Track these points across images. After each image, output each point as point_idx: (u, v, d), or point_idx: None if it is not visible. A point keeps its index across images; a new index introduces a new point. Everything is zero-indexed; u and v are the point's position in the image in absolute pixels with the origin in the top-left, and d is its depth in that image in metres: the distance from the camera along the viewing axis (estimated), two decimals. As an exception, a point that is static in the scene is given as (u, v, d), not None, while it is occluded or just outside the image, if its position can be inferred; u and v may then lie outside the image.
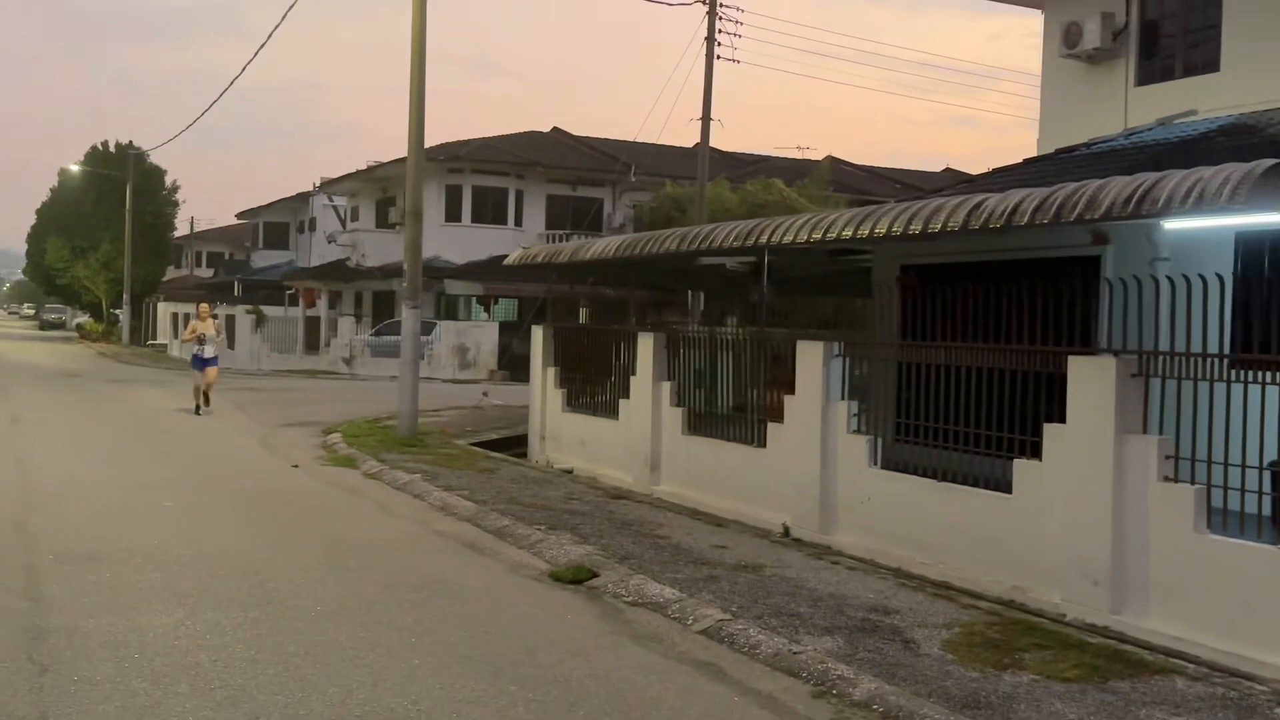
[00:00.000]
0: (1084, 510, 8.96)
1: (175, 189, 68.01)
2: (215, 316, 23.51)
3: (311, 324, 45.10)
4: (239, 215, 74.07)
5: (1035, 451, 9.59)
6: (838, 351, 12.00)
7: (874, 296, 13.24)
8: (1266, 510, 8.27)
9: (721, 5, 31.05)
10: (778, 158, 50.21)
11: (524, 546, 10.66)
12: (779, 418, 12.63)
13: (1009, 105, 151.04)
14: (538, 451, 18.37)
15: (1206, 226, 10.53)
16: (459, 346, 39.16)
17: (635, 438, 15.39)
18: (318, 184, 57.93)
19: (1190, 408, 8.65)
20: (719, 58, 30.99)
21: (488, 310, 43.35)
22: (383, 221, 49.15)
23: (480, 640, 7.57)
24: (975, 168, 77.72)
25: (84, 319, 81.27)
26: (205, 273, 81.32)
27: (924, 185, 49.06)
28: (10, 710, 5.90)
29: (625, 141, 47.51)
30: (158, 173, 66.39)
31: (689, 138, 60.94)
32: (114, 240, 62.45)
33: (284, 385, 32.75)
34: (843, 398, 11.85)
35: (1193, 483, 8.39)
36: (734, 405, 14.16)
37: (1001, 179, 15.67)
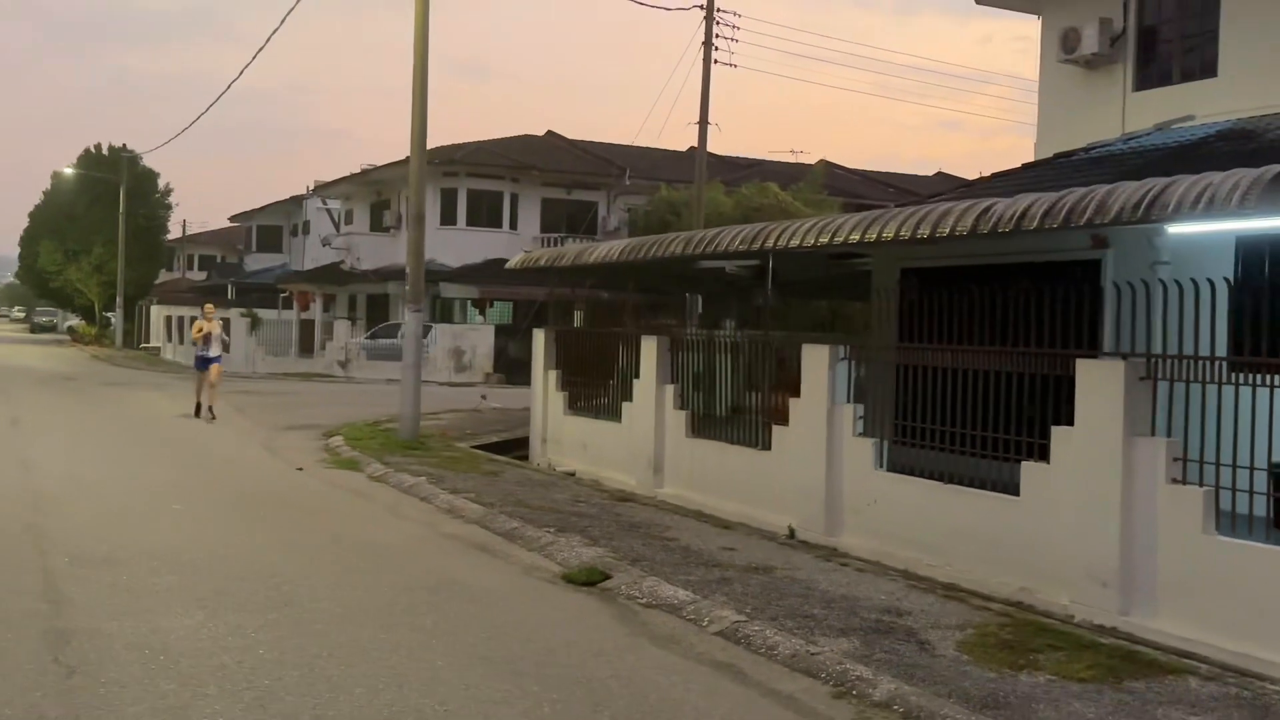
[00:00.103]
0: (1092, 512, 9.05)
1: (168, 192, 68.01)
2: (218, 317, 23.52)
3: (306, 327, 45.17)
4: (232, 218, 74.06)
5: (1040, 454, 9.69)
6: (843, 355, 12.09)
7: (873, 300, 13.32)
8: (1266, 511, 8.40)
9: (718, 10, 31.14)
10: (771, 161, 50.34)
11: (534, 549, 10.72)
12: (784, 421, 12.71)
13: (998, 109, 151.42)
14: (539, 454, 18.44)
15: (1207, 231, 10.67)
16: (455, 349, 39.21)
17: (638, 440, 15.46)
18: (311, 187, 58.04)
19: (1192, 410, 8.75)
20: (716, 62, 31.07)
21: (483, 313, 43.41)
22: (377, 225, 49.22)
23: (500, 641, 7.64)
24: (965, 171, 77.92)
25: (76, 322, 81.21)
26: (197, 276, 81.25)
27: (916, 189, 49.20)
28: (43, 712, 5.95)
29: (620, 145, 47.64)
30: (151, 176, 66.34)
31: (683, 141, 61.13)
32: (107, 243, 62.37)
33: (281, 388, 32.78)
34: (848, 400, 11.94)
35: (1201, 484, 8.50)
36: (738, 408, 14.24)
37: (1001, 183, 15.79)
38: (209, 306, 23.83)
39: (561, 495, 13.77)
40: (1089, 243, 11.92)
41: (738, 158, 49.66)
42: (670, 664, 7.33)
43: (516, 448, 19.77)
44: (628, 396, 15.93)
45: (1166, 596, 8.61)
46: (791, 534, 12.04)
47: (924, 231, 10.23)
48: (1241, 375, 8.40)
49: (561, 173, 45.90)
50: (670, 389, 14.98)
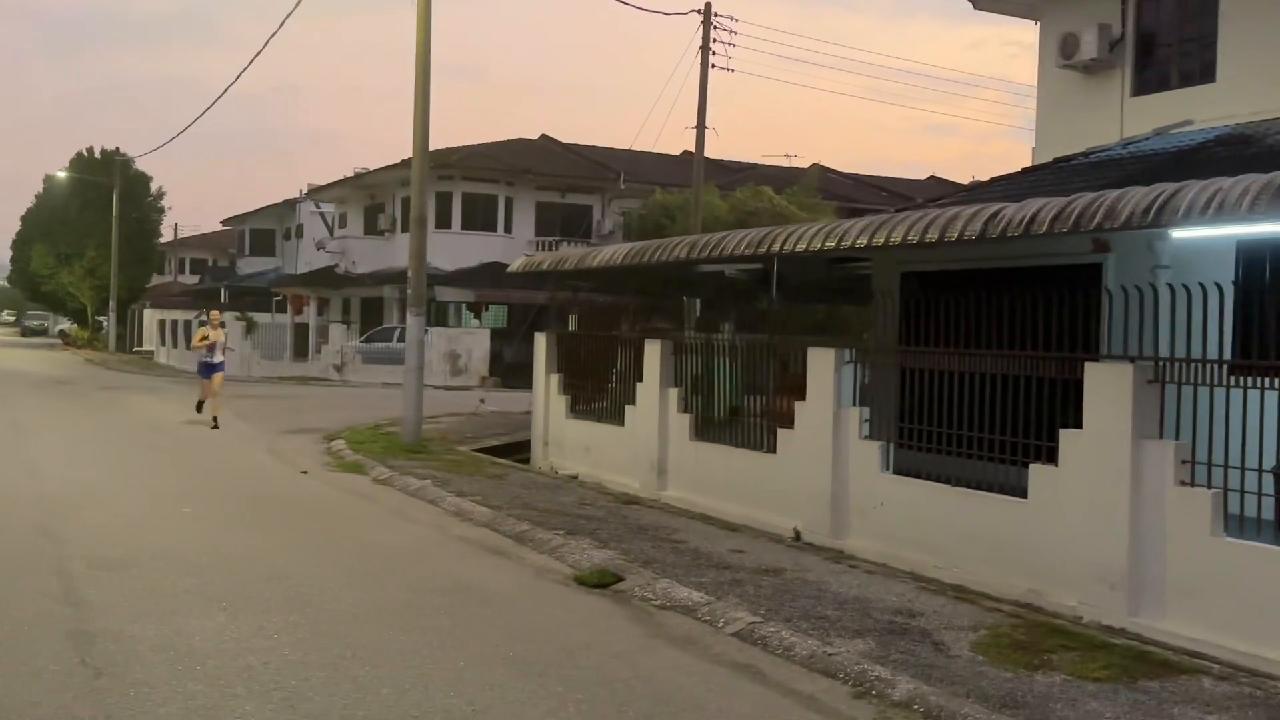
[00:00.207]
0: (1101, 514, 9.14)
1: (161, 195, 68.00)
2: (223, 324, 23.44)
3: (300, 331, 45.16)
4: (224, 222, 73.97)
5: (1044, 457, 9.78)
6: (849, 358, 12.18)
7: (875, 304, 13.41)
8: (1275, 512, 8.51)
9: (715, 15, 31.24)
10: (765, 165, 50.45)
11: (545, 551, 10.80)
12: (789, 424, 12.78)
13: (989, 114, 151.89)
14: (540, 457, 18.51)
15: (1208, 236, 10.76)
16: (450, 353, 39.25)
17: (642, 444, 15.53)
18: (304, 191, 58.02)
19: (1194, 413, 8.86)
20: (713, 66, 31.18)
21: (478, 317, 43.45)
22: (371, 228, 49.24)
23: (519, 643, 7.71)
24: (956, 175, 78.11)
25: (67, 325, 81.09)
26: (189, 279, 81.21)
27: (909, 193, 49.29)
28: (75, 712, 6.01)
29: (614, 149, 47.73)
30: (143, 179, 66.31)
31: (677, 145, 61.29)
32: (99, 247, 62.30)
33: (278, 392, 32.79)
34: (854, 403, 12.02)
35: (1209, 487, 8.60)
36: (742, 412, 14.32)
37: (1001, 187, 15.90)
38: (214, 314, 23.72)
39: (567, 498, 13.85)
40: (1090, 247, 12.01)
41: (731, 161, 49.76)
42: (689, 665, 7.41)
43: (518, 451, 19.85)
44: (630, 400, 16.00)
45: (1175, 598, 8.70)
46: (797, 536, 12.13)
47: (932, 235, 10.32)
48: (1251, 379, 8.50)
49: (556, 176, 45.96)
50: (674, 392, 15.05)
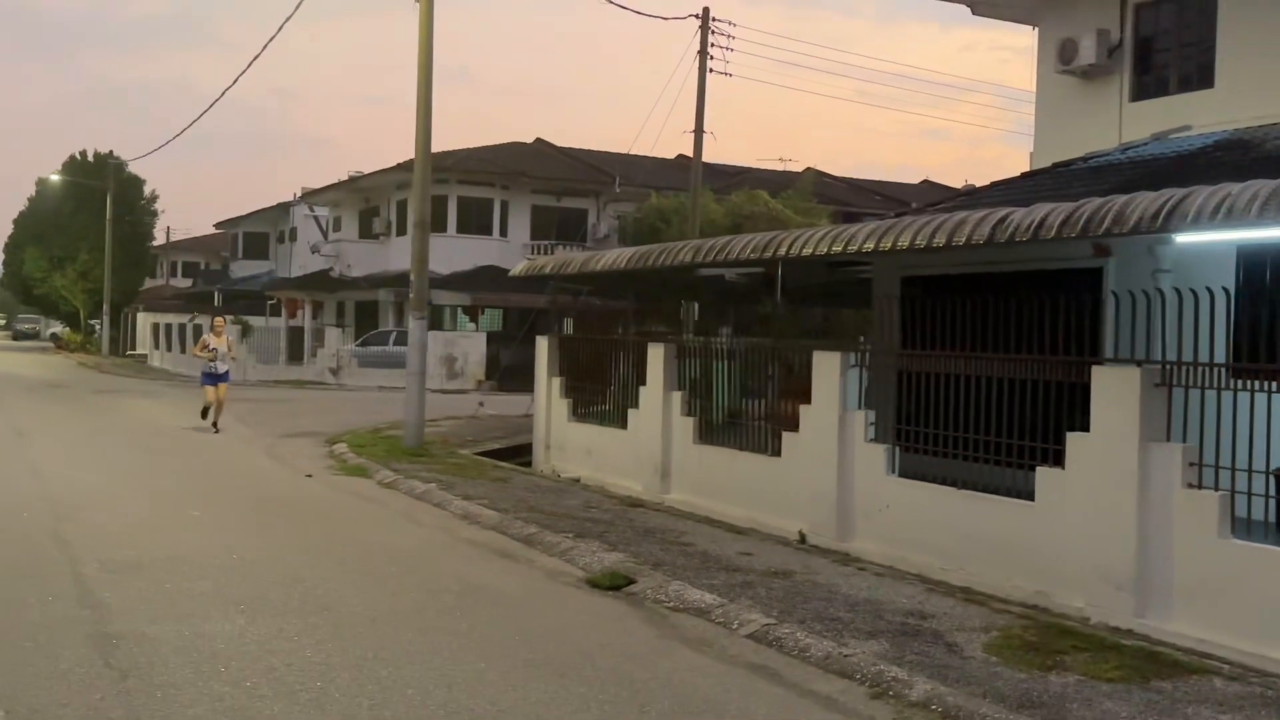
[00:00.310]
0: (1108, 517, 9.22)
1: (154, 198, 67.92)
2: (226, 330, 23.16)
3: (294, 334, 45.14)
4: (217, 225, 73.90)
5: (1048, 459, 9.87)
6: (854, 361, 12.26)
7: (876, 307, 13.49)
8: (1277, 514, 8.62)
9: (713, 20, 31.36)
10: (760, 169, 50.56)
11: (555, 554, 10.87)
12: (794, 427, 12.85)
13: (981, 118, 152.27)
14: (542, 460, 18.56)
15: (1209, 240, 10.85)
16: (447, 357, 39.28)
17: (644, 447, 15.60)
18: (298, 194, 58.03)
19: (1201, 416, 8.95)
20: (711, 71, 31.29)
21: (474, 320, 43.51)
22: (366, 232, 49.27)
23: (537, 644, 7.78)
24: (949, 180, 78.35)
25: (59, 329, 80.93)
26: (182, 283, 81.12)
27: (904, 197, 49.49)
28: (105, 714, 6.08)
29: (609, 153, 47.85)
30: (136, 182, 66.21)
31: (672, 149, 61.26)
32: (92, 250, 62.21)
33: (274, 396, 32.80)
34: (859, 407, 12.10)
35: (1216, 489, 8.69)
36: (746, 415, 14.40)
37: (1002, 192, 15.99)
38: (218, 320, 23.39)
39: (573, 501, 13.93)
40: (1091, 251, 12.11)
41: (725, 165, 49.86)
42: (706, 666, 7.49)
43: (519, 454, 19.89)
44: (633, 403, 16.07)
45: (1182, 599, 8.79)
46: (802, 539, 12.20)
47: (940, 240, 10.41)
48: (1257, 382, 8.59)
49: (551, 180, 46.06)
50: (677, 396, 15.12)
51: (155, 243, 73.33)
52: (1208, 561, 8.62)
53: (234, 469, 16.82)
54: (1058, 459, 9.77)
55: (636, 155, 44.34)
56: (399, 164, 42.16)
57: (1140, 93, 16.95)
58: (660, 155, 47.82)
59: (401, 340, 38.79)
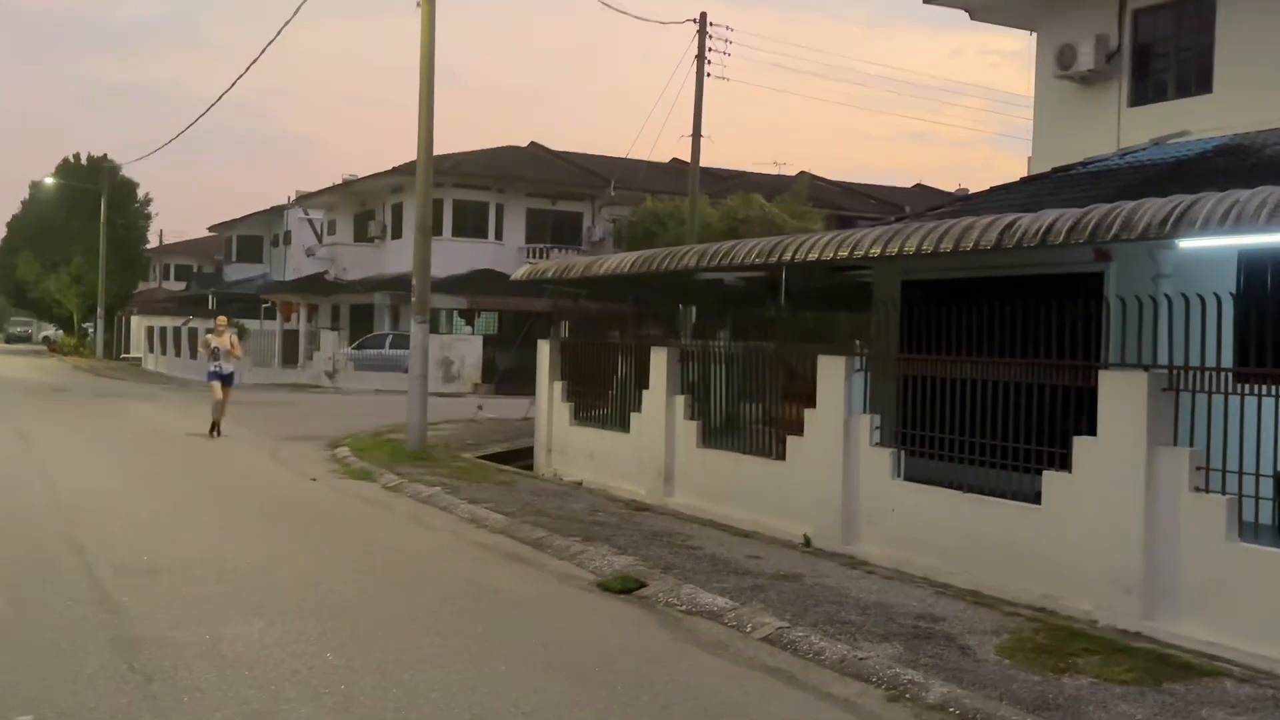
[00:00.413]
0: (1115, 520, 9.29)
1: (148, 202, 67.92)
2: (229, 330, 22.96)
3: (289, 338, 45.16)
4: (211, 228, 73.89)
5: (1057, 463, 9.95)
6: (859, 365, 12.34)
7: (877, 312, 13.57)
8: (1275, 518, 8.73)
9: (710, 24, 31.48)
10: (754, 173, 50.69)
11: (565, 557, 10.94)
12: (798, 431, 12.92)
13: (970, 120, 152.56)
14: (544, 464, 18.62)
15: (1212, 245, 10.95)
16: (443, 360, 39.28)
17: (648, 450, 15.66)
18: (293, 197, 58.05)
19: (1208, 420, 9.04)
20: (708, 75, 31.39)
21: (470, 324, 43.55)
22: (361, 235, 49.33)
23: (555, 648, 7.85)
24: (940, 183, 78.41)
25: (53, 332, 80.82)
26: (175, 286, 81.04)
27: (897, 201, 49.71)
28: (134, 718, 6.13)
29: (604, 156, 47.95)
30: (129, 185, 66.23)
31: (666, 153, 61.40)
32: (86, 253, 62.19)
33: (272, 399, 32.80)
34: (864, 411, 12.18)
35: (1224, 493, 8.78)
36: (750, 419, 14.47)
37: (1001, 197, 16.09)
38: (220, 320, 23.31)
39: (578, 505, 14.00)
40: (1092, 256, 12.20)
41: (720, 169, 49.98)
42: (723, 669, 7.56)
43: (520, 458, 19.95)
44: (636, 407, 16.13)
45: (1190, 602, 8.87)
46: (807, 542, 12.26)
47: (947, 245, 10.48)
48: (1265, 386, 8.67)
49: (547, 183, 46.16)
50: (681, 399, 15.18)
51: (148, 246, 73.27)
52: (1215, 564, 8.70)
53: (239, 473, 16.86)
54: (1063, 463, 9.85)
55: (631, 159, 44.44)
56: (394, 167, 42.24)
57: (1139, 98, 17.06)
58: (655, 159, 47.93)
59: (397, 343, 38.87)
